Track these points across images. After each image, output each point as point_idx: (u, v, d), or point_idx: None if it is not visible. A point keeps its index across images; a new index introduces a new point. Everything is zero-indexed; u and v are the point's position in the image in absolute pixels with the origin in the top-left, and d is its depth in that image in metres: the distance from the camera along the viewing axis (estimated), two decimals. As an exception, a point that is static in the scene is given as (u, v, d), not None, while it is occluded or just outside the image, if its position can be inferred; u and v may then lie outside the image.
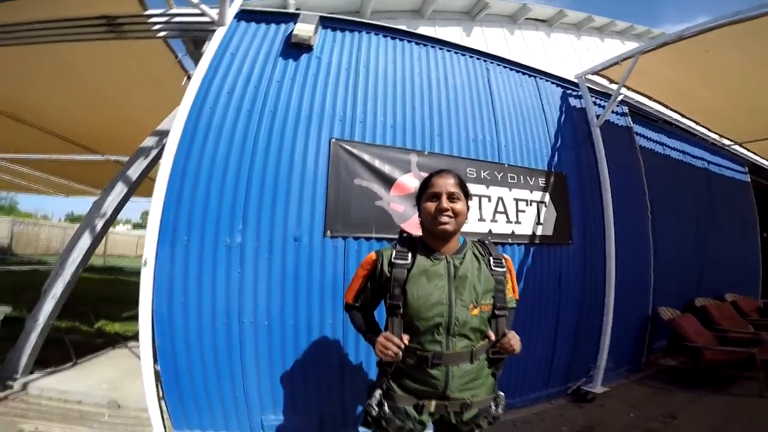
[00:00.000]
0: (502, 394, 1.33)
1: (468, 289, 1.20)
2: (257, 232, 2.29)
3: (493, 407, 1.28)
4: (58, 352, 3.11)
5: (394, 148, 2.64)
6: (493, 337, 1.22)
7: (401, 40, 3.03)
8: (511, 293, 1.35)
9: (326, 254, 2.37)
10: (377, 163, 2.54)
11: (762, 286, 6.05)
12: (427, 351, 1.18)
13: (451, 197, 1.22)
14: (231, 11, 2.48)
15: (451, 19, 4.69)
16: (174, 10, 2.79)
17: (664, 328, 4.00)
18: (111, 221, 2.80)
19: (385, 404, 1.23)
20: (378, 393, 1.25)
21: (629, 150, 4.06)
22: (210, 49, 2.36)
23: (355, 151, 2.52)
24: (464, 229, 2.47)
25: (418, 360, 1.19)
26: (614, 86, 3.76)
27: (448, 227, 1.21)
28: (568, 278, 3.14)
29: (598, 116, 3.57)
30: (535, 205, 2.99)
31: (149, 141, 2.82)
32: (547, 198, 3.06)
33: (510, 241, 2.83)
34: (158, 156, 2.84)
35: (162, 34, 2.82)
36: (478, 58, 3.29)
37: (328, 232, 2.37)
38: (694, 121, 4.78)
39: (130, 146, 5.46)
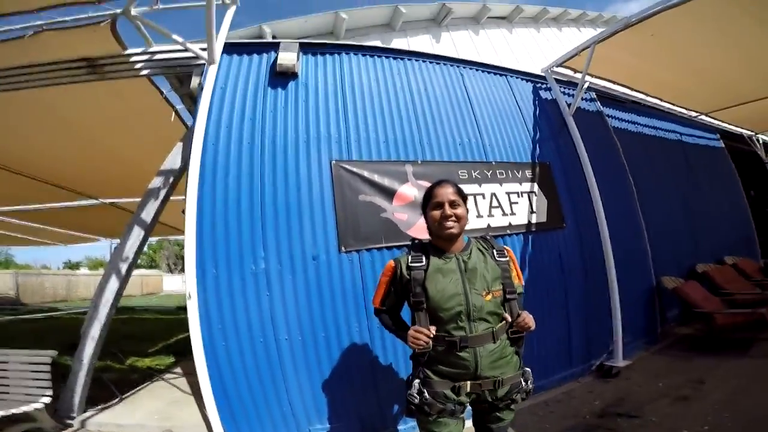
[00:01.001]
0: (529, 369, 1.68)
1: (479, 279, 1.57)
2: (278, 255, 2.73)
3: (523, 383, 1.63)
4: (100, 390, 3.51)
5: (390, 161, 3.15)
6: (509, 318, 1.58)
7: (379, 57, 3.59)
8: (517, 280, 1.72)
9: (343, 268, 2.83)
10: (377, 178, 3.04)
11: (760, 246, 6.94)
12: (454, 336, 1.53)
13: (453, 204, 1.61)
14: (218, 47, 2.88)
15: (420, 28, 5.39)
16: (155, 48, 3.21)
17: (673, 298, 4.52)
18: (134, 263, 3.18)
19: (425, 391, 1.54)
20: (416, 382, 1.57)
21: (604, 132, 4.79)
22: (207, 86, 2.78)
23: (354, 169, 3.02)
24: (465, 227, 3.04)
25: (448, 345, 1.53)
26: (578, 75, 4.50)
27: (454, 230, 1.60)
28: (568, 259, 3.71)
29: (569, 105, 4.28)
30: (526, 195, 3.57)
31: (156, 182, 3.18)
32: (536, 188, 3.65)
33: (508, 232, 3.38)
34: (167, 195, 3.24)
35: (145, 72, 3.25)
36: (451, 65, 3.90)
37: (343, 248, 2.83)
38: (659, 99, 5.63)
39: (122, 187, 5.81)
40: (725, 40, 3.90)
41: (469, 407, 1.68)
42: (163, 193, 3.13)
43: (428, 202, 1.70)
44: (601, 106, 5.03)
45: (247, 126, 2.98)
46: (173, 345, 6.36)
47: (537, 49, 6.31)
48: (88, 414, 3.09)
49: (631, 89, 5.23)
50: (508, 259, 1.69)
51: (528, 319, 1.58)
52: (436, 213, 1.63)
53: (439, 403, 1.55)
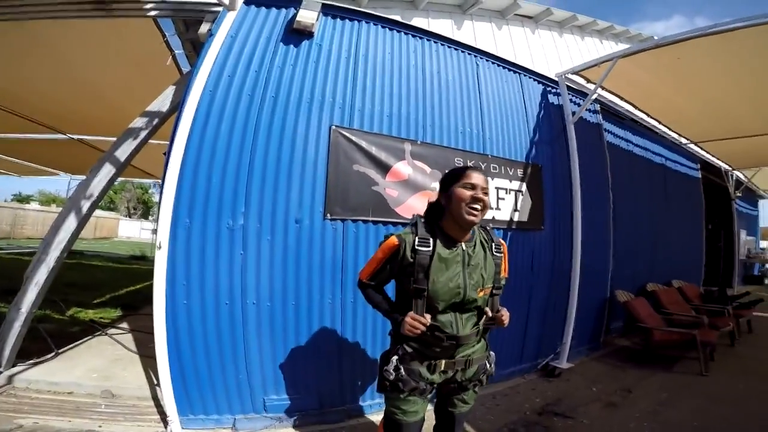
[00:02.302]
0: (493, 353, 1.61)
1: (477, 274, 1.42)
2: (260, 214, 2.41)
3: (488, 365, 1.56)
4: (34, 342, 3.01)
5: (390, 136, 2.83)
6: (489, 313, 1.46)
7: (398, 31, 3.16)
8: (504, 273, 1.58)
9: (326, 236, 2.55)
10: (374, 151, 2.73)
11: (704, 274, 6.92)
12: (445, 330, 1.38)
13: (484, 192, 1.40)
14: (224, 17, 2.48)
15: (444, 12, 4.82)
16: None
17: (619, 311, 4.54)
18: (97, 203, 2.77)
19: (402, 368, 1.42)
20: (394, 359, 1.44)
21: (598, 145, 4.49)
22: (220, 33, 2.40)
23: (354, 138, 2.69)
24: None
25: (437, 338, 1.39)
26: (590, 86, 4.12)
27: (476, 219, 1.37)
28: (540, 261, 3.53)
29: (573, 113, 3.92)
30: (513, 193, 3.31)
31: (138, 122, 2.78)
32: (524, 187, 3.39)
33: (490, 225, 3.07)
34: (147, 137, 2.85)
35: (153, 13, 2.76)
36: (469, 53, 3.49)
37: (328, 215, 2.55)
38: (658, 121, 5.29)
39: (97, 126, 5.28)
40: (740, 73, 3.59)
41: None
42: (143, 134, 2.74)
43: (457, 181, 1.43)
44: (602, 120, 4.68)
45: (251, 78, 2.57)
46: (122, 297, 5.51)
47: (555, 54, 5.81)
48: (17, 369, 2.62)
49: (634, 107, 4.86)
50: (502, 254, 1.54)
51: (506, 316, 1.49)
52: (467, 193, 1.38)
53: (412, 380, 1.44)
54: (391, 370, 1.43)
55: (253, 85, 2.57)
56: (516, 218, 3.32)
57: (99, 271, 8.14)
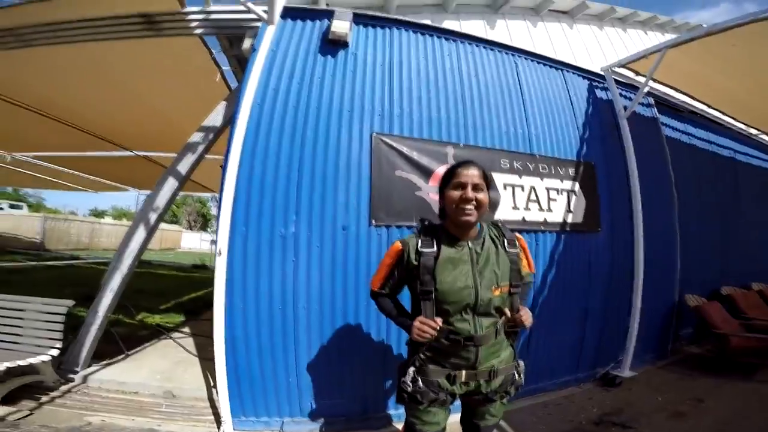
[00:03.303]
0: (522, 362, 1.51)
1: (489, 272, 1.35)
2: (309, 221, 2.52)
3: (516, 375, 1.46)
4: (107, 344, 3.29)
5: (431, 141, 2.85)
6: (509, 314, 1.37)
7: (431, 35, 3.22)
8: (527, 268, 1.49)
9: (372, 242, 2.60)
10: (416, 156, 2.76)
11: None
12: (460, 333, 1.33)
13: (476, 188, 1.33)
14: (278, 8, 2.62)
15: (475, 12, 4.86)
16: (212, 7, 3.00)
17: (689, 316, 4.15)
18: (163, 215, 3.06)
19: (419, 379, 1.38)
20: (411, 370, 1.40)
21: (656, 140, 4.22)
22: (263, 47, 2.56)
23: (394, 144, 2.74)
24: (499, 217, 2.72)
25: (452, 342, 1.34)
26: (640, 78, 3.93)
27: (471, 218, 1.33)
28: (597, 265, 3.34)
29: (625, 108, 3.74)
30: (565, 194, 3.18)
31: (196, 137, 3.05)
32: (576, 187, 3.25)
33: (542, 228, 3.04)
34: (205, 151, 3.09)
35: (199, 31, 3.03)
36: (506, 53, 3.47)
37: (373, 221, 2.60)
38: (721, 112, 4.91)
39: (156, 142, 5.78)
40: None
41: (458, 402, 1.52)
42: (201, 148, 2.98)
43: (449, 182, 1.41)
44: (657, 113, 4.41)
45: (294, 90, 2.74)
46: (185, 303, 5.86)
47: (597, 48, 5.62)
48: (91, 369, 2.90)
49: (693, 98, 4.54)
50: (518, 249, 1.45)
51: (525, 316, 1.40)
52: (456, 194, 1.35)
53: (432, 392, 1.39)
54: (409, 382, 1.39)
55: (297, 97, 2.72)
56: (570, 220, 3.18)
57: (165, 279, 8.98)
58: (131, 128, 5.33)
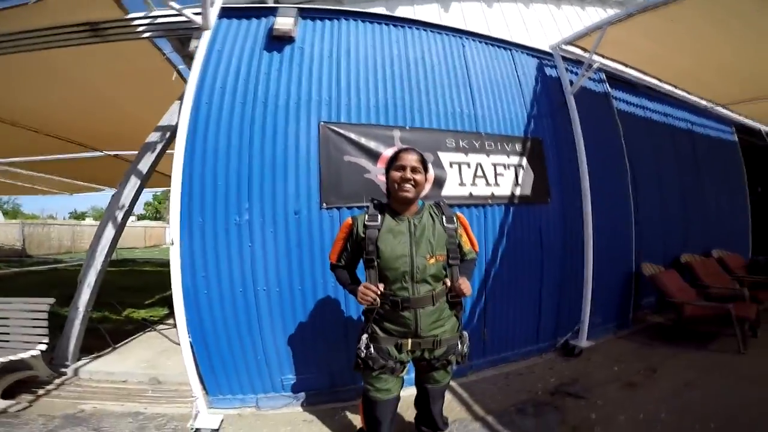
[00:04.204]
0: (466, 333, 1.77)
1: (424, 243, 1.62)
2: (262, 209, 2.73)
3: (459, 345, 1.71)
4: (95, 339, 3.64)
5: (378, 125, 3.05)
6: (448, 283, 1.64)
7: (379, 23, 3.41)
8: (468, 245, 1.77)
9: (324, 224, 2.81)
10: (363, 141, 2.97)
11: (753, 242, 6.58)
12: (398, 296, 1.59)
13: (414, 170, 1.63)
14: (213, 13, 2.80)
15: (428, -3, 5.07)
16: (156, 12, 3.14)
17: (650, 285, 4.38)
18: (129, 212, 3.28)
19: (371, 346, 1.63)
20: (365, 337, 1.65)
21: (606, 115, 4.49)
22: (199, 51, 2.71)
23: (342, 131, 2.94)
24: (446, 193, 2.97)
25: (392, 305, 1.60)
26: (588, 55, 4.18)
27: (409, 195, 1.62)
28: (548, 235, 3.60)
29: (571, 83, 4.00)
30: (512, 168, 3.43)
31: (153, 136, 3.23)
32: (524, 162, 3.50)
33: (490, 202, 3.28)
34: (164, 149, 3.26)
35: (146, 35, 3.20)
36: (453, 35, 3.66)
37: (324, 204, 2.81)
38: (674, 86, 5.20)
39: (128, 140, 5.92)
40: (752, 32, 3.48)
41: (412, 370, 1.79)
42: (159, 146, 3.16)
43: (392, 164, 1.70)
44: (609, 88, 4.70)
45: (241, 86, 2.91)
46: (168, 297, 6.26)
47: (554, 27, 5.86)
48: (81, 362, 3.20)
49: (646, 74, 4.83)
50: (456, 225, 1.71)
51: (464, 285, 1.62)
52: (397, 174, 1.64)
53: (381, 358, 1.62)
54: (362, 348, 1.63)
55: (244, 93, 2.90)
56: (518, 192, 3.43)
57: (149, 276, 9.37)
58: (100, 129, 5.49)
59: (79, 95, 4.32)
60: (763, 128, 6.80)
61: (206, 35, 2.80)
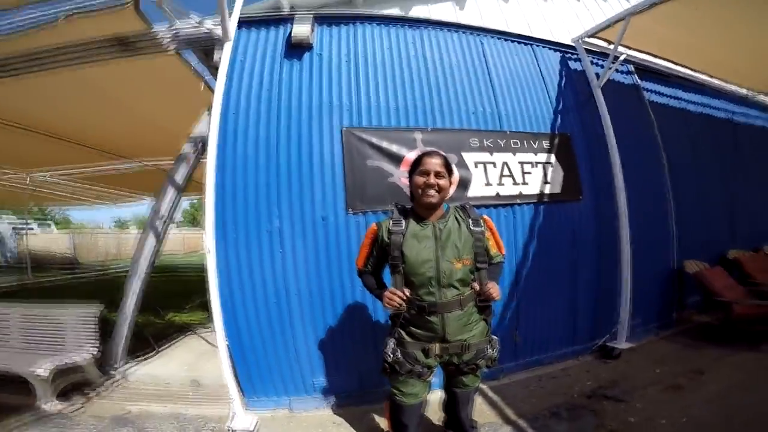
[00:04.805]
0: (496, 337, 1.76)
1: (450, 247, 1.63)
2: (291, 215, 2.85)
3: (489, 349, 1.71)
4: (140, 343, 3.88)
5: (399, 129, 3.12)
6: (476, 287, 1.64)
7: (394, 26, 3.49)
8: (495, 249, 1.77)
9: (350, 228, 2.90)
10: (385, 144, 3.03)
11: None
12: (425, 301, 1.60)
13: (438, 175, 1.65)
14: (232, 25, 2.92)
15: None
16: (178, 25, 3.26)
17: (696, 283, 4.15)
18: (169, 222, 3.50)
19: (398, 351, 1.65)
20: (392, 342, 1.68)
21: (638, 107, 4.38)
22: (222, 63, 2.84)
23: (364, 136, 3.02)
24: (472, 194, 2.98)
25: (419, 309, 1.61)
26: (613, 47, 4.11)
27: (433, 200, 1.65)
28: (581, 233, 3.54)
29: (598, 76, 3.94)
30: (540, 166, 3.40)
31: (186, 148, 3.45)
32: (552, 159, 3.47)
33: (518, 201, 3.26)
34: (197, 159, 3.44)
35: (172, 47, 3.34)
36: (471, 33, 3.70)
37: (350, 210, 2.90)
38: (708, 75, 5.02)
39: (164, 150, 6.28)
40: None
41: (440, 372, 1.81)
42: (193, 157, 3.33)
43: (416, 168, 1.72)
44: (639, 80, 4.59)
45: (265, 95, 3.05)
46: (208, 301, 6.64)
47: (576, 20, 5.78)
48: (128, 366, 3.45)
49: (677, 64, 4.70)
50: (483, 228, 1.71)
51: (493, 289, 1.61)
52: (421, 180, 1.67)
53: (408, 363, 1.64)
54: (389, 353, 1.66)
55: (268, 101, 3.04)
56: (547, 190, 3.40)
57: (189, 281, 9.64)
58: (138, 140, 5.88)
59: (115, 109, 4.60)
60: None
61: (227, 47, 2.92)
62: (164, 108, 4.63)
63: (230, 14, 2.90)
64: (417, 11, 4.34)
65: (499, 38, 3.82)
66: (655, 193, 4.16)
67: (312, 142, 2.98)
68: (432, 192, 1.64)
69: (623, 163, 3.69)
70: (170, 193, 3.45)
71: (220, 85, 2.83)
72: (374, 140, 3.03)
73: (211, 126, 2.73)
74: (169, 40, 3.30)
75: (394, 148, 3.05)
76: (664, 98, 4.90)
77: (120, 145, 6.15)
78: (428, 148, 2.63)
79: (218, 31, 2.94)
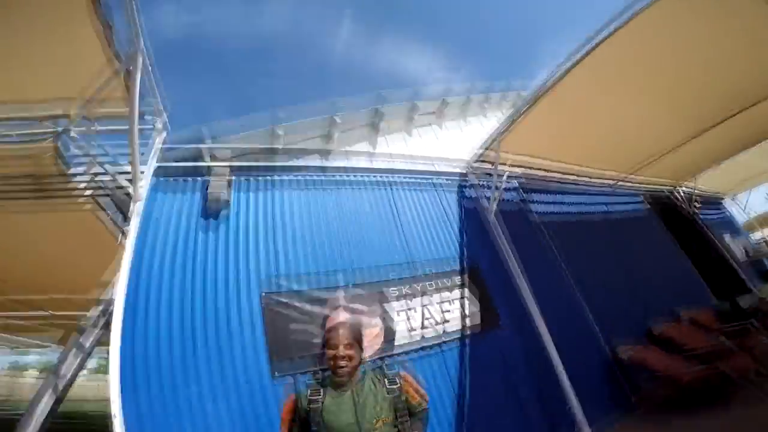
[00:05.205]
0: None
1: (369, 409, 1.72)
2: (211, 382, 2.68)
3: None
4: None
5: (320, 289, 3.23)
6: None
7: (312, 181, 3.83)
8: (417, 399, 1.86)
9: (277, 392, 2.76)
10: (308, 307, 3.09)
11: (710, 289, 6.96)
12: None
13: (347, 347, 1.76)
14: (144, 185, 2.89)
15: (358, 134, 5.75)
16: (95, 170, 3.24)
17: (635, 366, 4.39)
18: (69, 384, 2.96)
19: None
20: None
21: (527, 220, 5.06)
22: (133, 223, 2.75)
23: (285, 300, 3.07)
24: (399, 343, 3.05)
25: None
26: (505, 164, 4.68)
27: (345, 370, 1.74)
28: (511, 355, 3.73)
29: (489, 200, 4.43)
30: (457, 302, 3.68)
31: (94, 311, 3.12)
32: (467, 293, 3.79)
33: (444, 339, 3.43)
34: (107, 323, 3.11)
35: (88, 192, 3.29)
36: (381, 176, 4.17)
37: (276, 373, 2.81)
38: (580, 165, 5.68)
39: (73, 303, 5.56)
40: (624, 94, 3.99)
41: None
42: (101, 321, 3.05)
43: (324, 343, 1.82)
44: (524, 194, 5.37)
45: (179, 257, 3.04)
46: None
47: (466, 141, 6.70)
48: None
49: (553, 161, 5.38)
50: (399, 385, 1.83)
51: None
52: (330, 353, 1.77)
53: None
54: None
55: (183, 261, 3.02)
56: (469, 323, 3.63)
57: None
58: (51, 288, 5.20)
59: (27, 253, 4.19)
60: (666, 187, 7.93)
61: (139, 206, 2.86)
62: (77, 254, 4.28)
63: (143, 174, 2.91)
64: (333, 155, 4.74)
65: (405, 177, 4.34)
66: (567, 297, 4.61)
67: (229, 307, 2.95)
68: (343, 363, 1.73)
69: (531, 278, 4.06)
70: (72, 357, 3.03)
71: (130, 245, 2.71)
72: (296, 303, 3.09)
73: (118, 289, 2.56)
74: (86, 184, 3.22)
75: (317, 309, 3.12)
76: (549, 206, 5.74)
77: (25, 288, 5.42)
78: (339, 317, 2.70)
79: (127, 188, 2.92)
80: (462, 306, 3.67)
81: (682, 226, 7.96)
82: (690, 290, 6.76)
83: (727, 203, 11.80)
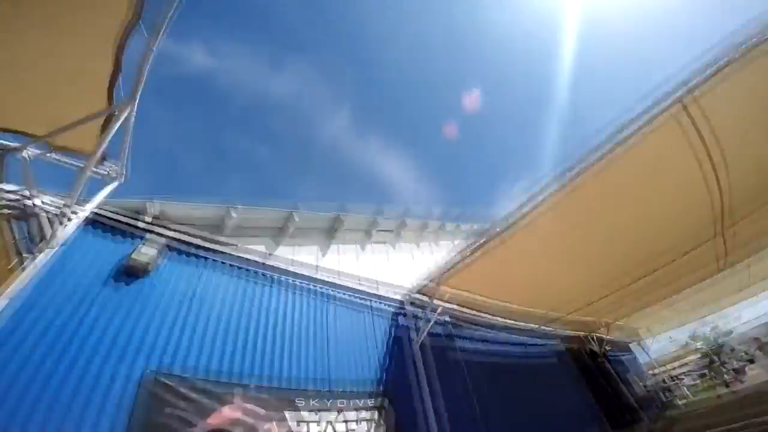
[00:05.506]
0: None
1: None
2: None
3: None
4: None
5: (215, 382, 2.94)
6: None
7: (239, 267, 3.79)
8: None
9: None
10: (195, 396, 2.77)
11: (607, 421, 7.25)
12: None
13: None
14: (71, 226, 2.82)
15: (312, 236, 5.81)
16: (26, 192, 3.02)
17: None
18: None
19: None
20: None
21: (451, 355, 5.10)
22: (40, 257, 2.61)
23: (169, 382, 2.74)
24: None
25: None
26: (439, 299, 5.01)
27: None
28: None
29: (418, 330, 4.60)
30: (364, 423, 3.44)
31: None
32: (376, 416, 3.58)
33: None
34: None
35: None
36: (322, 288, 4.22)
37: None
38: (509, 303, 6.13)
39: None
40: (556, 250, 4.57)
41: None
42: None
43: None
44: (453, 329, 5.54)
45: (76, 305, 2.77)
46: None
47: (413, 264, 7.14)
48: None
49: (487, 297, 5.74)
50: None
51: None
52: None
53: None
54: None
55: (76, 312, 2.70)
56: (372, 449, 3.30)
57: None
58: None
59: None
60: (581, 333, 8.77)
61: (55, 242, 2.71)
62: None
63: (81, 209, 2.88)
64: (282, 251, 4.72)
65: (345, 295, 4.41)
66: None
67: (101, 374, 2.59)
68: None
69: (443, 411, 4.01)
70: None
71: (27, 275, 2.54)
72: (181, 389, 2.76)
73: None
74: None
75: (206, 400, 2.79)
76: (474, 342, 5.90)
77: None
78: (229, 413, 2.45)
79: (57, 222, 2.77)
80: (369, 428, 3.39)
81: (592, 367, 8.56)
82: (590, 423, 6.94)
83: (634, 347, 13.28)
